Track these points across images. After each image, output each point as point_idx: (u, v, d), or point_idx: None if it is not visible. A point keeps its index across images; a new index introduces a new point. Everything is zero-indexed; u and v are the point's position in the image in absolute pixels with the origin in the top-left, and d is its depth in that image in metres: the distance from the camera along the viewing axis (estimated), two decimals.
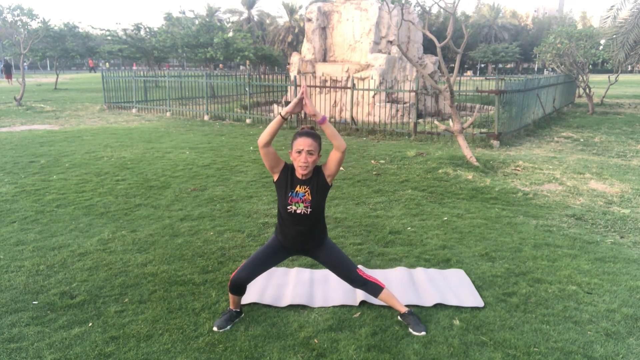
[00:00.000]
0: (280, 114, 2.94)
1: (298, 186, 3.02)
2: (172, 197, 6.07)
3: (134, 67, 46.47)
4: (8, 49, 26.04)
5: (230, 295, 3.17)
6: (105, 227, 4.96)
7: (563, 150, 9.99)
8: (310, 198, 3.01)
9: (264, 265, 3.19)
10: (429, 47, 22.22)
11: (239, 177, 7.16)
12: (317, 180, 3.03)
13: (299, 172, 2.99)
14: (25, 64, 30.30)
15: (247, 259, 3.21)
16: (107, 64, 56.99)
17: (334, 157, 2.98)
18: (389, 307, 3.39)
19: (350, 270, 3.20)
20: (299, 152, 2.93)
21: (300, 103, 2.93)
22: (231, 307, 3.21)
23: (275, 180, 3.09)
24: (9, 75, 32.15)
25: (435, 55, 13.33)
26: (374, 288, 3.19)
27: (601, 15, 17.96)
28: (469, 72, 60.24)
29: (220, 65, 55.42)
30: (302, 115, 13.46)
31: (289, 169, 3.05)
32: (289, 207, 3.03)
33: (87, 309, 3.33)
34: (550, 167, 8.08)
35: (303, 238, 3.13)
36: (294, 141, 2.96)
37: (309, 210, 3.02)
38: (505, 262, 4.18)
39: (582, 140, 11.20)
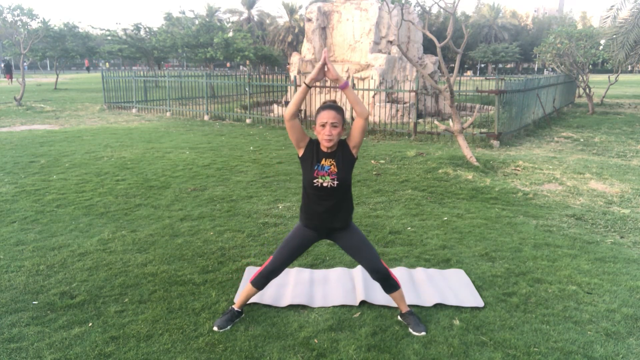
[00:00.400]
0: (304, 82, 2.92)
1: (324, 159, 2.98)
2: (172, 197, 6.07)
3: (137, 67, 46.47)
4: (8, 49, 26.04)
5: (245, 291, 3.18)
6: (105, 227, 4.96)
7: (563, 150, 9.99)
8: (336, 170, 2.97)
9: (291, 254, 3.15)
10: (429, 47, 22.23)
11: (239, 177, 7.16)
12: (343, 153, 3.00)
13: (324, 145, 2.95)
14: (25, 64, 30.29)
15: (275, 252, 3.19)
16: (107, 64, 57.00)
17: (357, 125, 2.97)
18: (389, 307, 3.39)
19: (373, 258, 3.12)
20: (323, 125, 2.91)
21: (322, 69, 2.93)
22: (235, 306, 3.21)
23: (300, 155, 3.05)
24: (9, 75, 32.19)
25: (435, 55, 13.33)
26: (392, 285, 3.15)
27: (601, 15, 17.96)
28: (469, 72, 60.27)
29: (228, 64, 55.37)
30: (302, 115, 13.46)
31: (314, 143, 3.02)
32: (315, 181, 2.98)
33: (87, 309, 3.33)
34: (550, 167, 8.08)
35: (329, 214, 3.06)
36: (318, 115, 2.94)
37: (335, 182, 2.98)
38: (505, 262, 4.18)
39: (582, 140, 11.20)
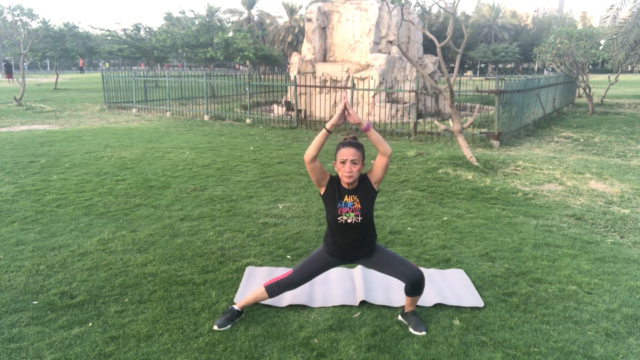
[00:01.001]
0: (325, 127, 2.94)
1: (346, 196, 3.02)
2: (172, 197, 6.07)
3: (142, 67, 46.36)
4: (8, 49, 26.05)
5: (256, 294, 3.21)
6: (105, 227, 4.96)
7: (563, 150, 9.99)
8: (360, 207, 3.01)
9: (312, 274, 3.22)
10: (429, 47, 22.22)
11: (239, 177, 7.16)
12: (364, 188, 3.03)
13: (345, 182, 2.98)
14: (25, 64, 30.31)
15: (296, 267, 3.23)
16: (107, 64, 56.99)
17: (379, 162, 3.00)
18: (389, 307, 3.39)
19: (404, 265, 3.12)
20: (343, 162, 2.93)
21: (343, 114, 2.95)
22: (238, 306, 3.22)
23: (322, 193, 3.08)
24: (9, 74, 32.23)
25: (435, 55, 13.33)
26: (421, 291, 3.14)
27: (601, 15, 17.96)
28: (469, 72, 60.26)
29: (237, 65, 55.28)
30: (302, 116, 13.45)
31: (335, 180, 3.05)
32: (339, 219, 3.02)
33: (87, 309, 3.33)
34: (550, 167, 8.08)
35: (355, 246, 3.13)
36: (338, 152, 2.96)
37: (359, 218, 3.01)
38: (505, 262, 4.18)
39: (582, 140, 11.20)
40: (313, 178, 3.03)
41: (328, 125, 2.92)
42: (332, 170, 6.46)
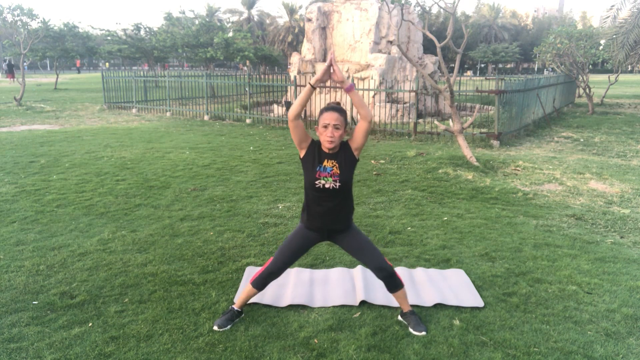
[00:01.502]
0: (309, 83, 2.92)
1: (326, 160, 2.99)
2: (172, 197, 6.07)
3: (145, 67, 46.30)
4: (8, 49, 26.05)
5: (245, 292, 3.18)
6: (105, 227, 4.96)
7: (563, 150, 9.99)
8: (338, 172, 2.97)
9: (292, 255, 3.15)
10: (429, 47, 22.21)
11: (239, 177, 7.16)
12: (345, 154, 3.01)
13: (326, 147, 2.96)
14: (25, 64, 30.34)
15: (275, 253, 3.19)
16: (107, 64, 56.98)
17: (360, 128, 2.98)
18: (389, 307, 3.39)
19: (378, 256, 3.12)
20: (325, 126, 2.92)
21: (328, 70, 2.93)
22: (236, 306, 3.21)
23: (302, 156, 3.05)
24: (11, 74, 32.29)
25: (435, 55, 13.33)
26: (396, 284, 3.14)
27: (601, 15, 17.97)
28: (469, 72, 60.27)
29: (240, 65, 55.29)
30: (302, 116, 13.46)
31: (316, 144, 3.03)
32: (317, 182, 2.98)
33: (87, 309, 3.33)
34: (550, 167, 8.08)
35: (331, 216, 3.06)
36: (320, 116, 2.95)
37: (337, 184, 2.98)
38: (505, 262, 4.18)
39: (582, 140, 11.20)
40: (294, 138, 3.01)
41: (312, 81, 2.92)
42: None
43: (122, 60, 40.42)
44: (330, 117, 2.91)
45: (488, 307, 3.40)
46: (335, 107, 2.95)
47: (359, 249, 3.14)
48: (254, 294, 3.23)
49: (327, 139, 2.92)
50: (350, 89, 2.92)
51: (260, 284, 3.17)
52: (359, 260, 3.17)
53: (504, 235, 4.83)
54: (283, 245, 3.18)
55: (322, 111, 2.96)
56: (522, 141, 10.97)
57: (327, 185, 2.98)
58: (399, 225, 5.10)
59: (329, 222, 3.08)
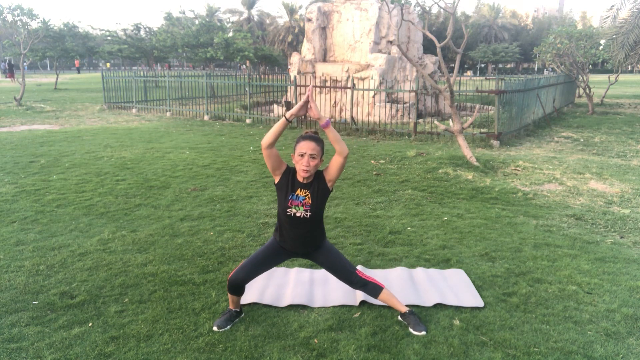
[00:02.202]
0: (284, 116, 2.94)
1: (299, 189, 3.03)
2: (172, 197, 6.07)
3: (144, 67, 46.34)
4: (8, 49, 26.05)
5: (229, 295, 3.17)
6: (105, 227, 4.96)
7: (563, 150, 9.99)
8: (310, 202, 3.02)
9: (263, 266, 3.19)
10: (429, 47, 22.22)
11: (239, 177, 7.16)
12: (318, 185, 3.04)
13: (301, 175, 3.00)
14: (25, 64, 30.35)
15: (246, 259, 3.22)
16: (107, 64, 56.98)
17: (335, 162, 2.99)
18: (389, 307, 3.39)
19: (349, 272, 3.20)
20: (302, 155, 2.94)
21: (305, 106, 2.95)
22: (231, 306, 3.21)
23: (276, 182, 3.10)
24: (12, 74, 32.37)
25: (435, 55, 13.33)
26: (374, 288, 3.19)
27: (601, 15, 17.97)
28: (469, 72, 60.28)
29: (241, 65, 55.41)
30: (303, 116, 13.44)
31: (290, 172, 3.06)
32: (288, 210, 3.03)
33: (87, 309, 3.33)
34: (550, 167, 8.08)
35: (302, 241, 3.14)
36: (297, 144, 2.96)
37: (308, 214, 3.02)
38: (505, 262, 4.18)
39: (582, 140, 11.20)
40: (268, 165, 3.04)
41: (288, 115, 2.94)
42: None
43: (122, 60, 40.46)
44: (307, 147, 2.92)
45: (488, 307, 3.40)
46: (313, 137, 2.97)
47: (330, 266, 3.22)
48: (238, 300, 3.18)
49: (303, 167, 2.94)
50: (326, 126, 2.93)
51: (236, 289, 3.10)
52: (332, 274, 3.27)
53: (504, 235, 4.83)
54: (255, 254, 3.20)
55: (299, 139, 2.98)
56: (522, 141, 10.97)
57: (298, 214, 3.03)
58: (399, 225, 5.10)
59: (300, 246, 3.17)
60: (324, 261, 3.23)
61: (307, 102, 2.92)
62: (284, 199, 3.04)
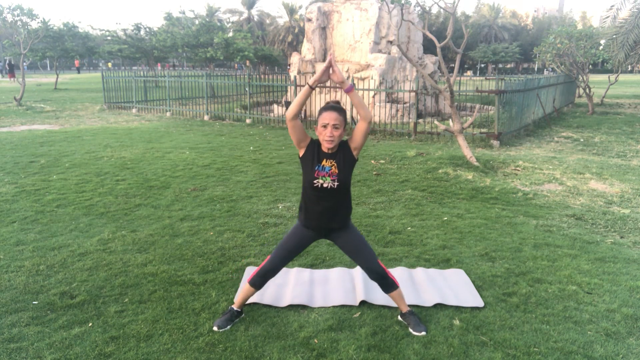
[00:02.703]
0: (308, 83, 2.91)
1: (324, 160, 2.98)
2: (172, 197, 6.07)
3: (159, 67, 46.29)
4: (8, 49, 26.06)
5: (244, 291, 3.18)
6: (105, 227, 4.96)
7: (563, 150, 9.99)
8: (337, 171, 2.97)
9: (289, 253, 3.15)
10: (429, 47, 22.22)
11: (239, 177, 7.16)
12: (344, 154, 3.00)
13: (325, 146, 2.96)
14: (25, 64, 30.37)
15: (273, 252, 3.19)
16: (109, 64, 57.01)
17: (359, 128, 2.98)
18: (389, 307, 3.39)
19: (371, 258, 3.13)
20: (325, 126, 2.91)
21: (327, 70, 2.91)
22: (235, 306, 3.21)
23: (300, 155, 3.06)
24: (12, 74, 32.40)
25: (435, 55, 13.33)
26: (390, 284, 3.15)
27: (601, 15, 17.96)
28: (469, 72, 60.27)
29: (235, 65, 55.54)
30: (302, 116, 13.45)
31: (315, 144, 3.03)
32: (315, 182, 2.98)
33: (87, 309, 3.33)
34: (550, 167, 8.08)
35: (329, 215, 3.07)
36: (320, 115, 2.94)
37: (335, 184, 2.98)
38: (505, 262, 4.18)
39: (582, 140, 11.20)
40: (293, 137, 3.02)
41: (311, 81, 2.92)
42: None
43: (122, 60, 40.47)
44: (330, 117, 2.90)
45: (488, 307, 3.40)
46: (335, 107, 2.94)
47: (354, 248, 3.14)
48: (252, 293, 3.22)
49: (326, 138, 2.92)
50: (350, 90, 2.91)
51: (258, 282, 3.16)
52: (353, 259, 3.18)
53: (504, 235, 4.83)
54: (280, 243, 3.18)
55: (321, 110, 2.95)
56: (522, 141, 10.97)
57: (325, 185, 2.98)
58: (399, 225, 5.10)
59: (327, 221, 3.08)
60: (345, 242, 3.15)
61: (329, 66, 2.90)
62: (310, 171, 3.00)
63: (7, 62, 35.70)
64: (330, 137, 2.90)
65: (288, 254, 3.15)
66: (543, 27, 64.58)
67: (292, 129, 2.99)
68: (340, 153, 3.00)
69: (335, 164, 2.98)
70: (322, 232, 3.15)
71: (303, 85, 13.26)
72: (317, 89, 13.92)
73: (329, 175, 2.97)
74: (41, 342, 2.93)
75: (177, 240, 4.60)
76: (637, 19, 14.82)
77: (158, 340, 2.98)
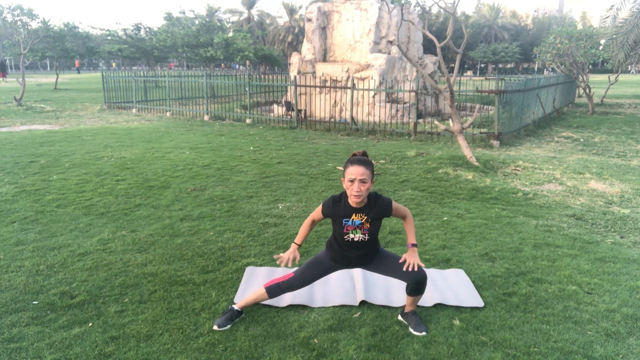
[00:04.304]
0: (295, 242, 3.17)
1: (354, 214, 2.98)
2: (172, 197, 6.07)
3: (171, 67, 46.22)
4: (8, 49, 26.06)
5: (256, 296, 3.21)
6: (105, 227, 4.96)
7: (563, 150, 9.99)
8: (368, 226, 3.00)
9: (314, 278, 3.23)
10: (429, 47, 22.22)
11: (239, 177, 7.16)
12: (376, 210, 3.00)
13: (353, 201, 2.92)
14: (24, 64, 30.41)
15: (298, 270, 3.23)
16: (113, 63, 57.05)
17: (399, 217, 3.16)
18: (389, 307, 3.39)
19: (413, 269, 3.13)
20: (352, 180, 2.86)
21: None
22: (237, 306, 3.22)
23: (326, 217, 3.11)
24: (3, 73, 32.40)
25: (435, 55, 13.32)
26: (423, 289, 3.13)
27: (601, 15, 17.95)
28: (469, 72, 60.28)
29: (223, 65, 55.58)
30: (302, 116, 13.44)
31: (340, 200, 3.00)
32: (346, 236, 3.02)
33: (87, 309, 3.33)
34: (550, 167, 8.08)
35: (359, 260, 3.16)
36: (346, 169, 2.89)
37: (367, 237, 3.01)
38: (505, 262, 4.18)
39: (582, 140, 11.20)
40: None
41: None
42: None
43: (122, 60, 40.47)
44: (357, 171, 2.84)
45: (488, 307, 3.40)
46: (361, 160, 2.88)
47: (389, 269, 3.16)
48: (264, 300, 3.25)
49: (354, 193, 2.86)
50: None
51: (275, 293, 3.21)
52: (394, 277, 3.17)
53: (504, 235, 4.83)
54: (307, 265, 3.23)
55: (347, 164, 2.91)
56: (522, 141, 10.97)
57: (355, 238, 3.02)
58: (399, 225, 5.10)
59: (357, 263, 3.19)
60: (379, 267, 3.18)
61: None
62: (339, 226, 3.01)
63: (1, 61, 35.70)
64: (357, 192, 2.86)
65: (312, 278, 3.23)
66: (543, 27, 64.58)
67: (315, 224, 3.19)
68: (373, 208, 2.99)
69: (366, 218, 2.98)
70: (351, 267, 3.25)
71: (303, 85, 13.26)
72: (318, 89, 13.92)
73: (359, 229, 3.00)
74: (41, 342, 2.93)
75: (177, 240, 4.60)
76: (637, 19, 14.82)
77: (158, 340, 2.98)
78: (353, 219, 2.97)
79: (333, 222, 3.05)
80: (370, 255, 3.16)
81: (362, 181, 2.84)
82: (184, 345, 2.94)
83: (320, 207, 3.06)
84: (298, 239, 3.16)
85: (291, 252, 3.11)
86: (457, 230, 4.97)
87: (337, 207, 3.00)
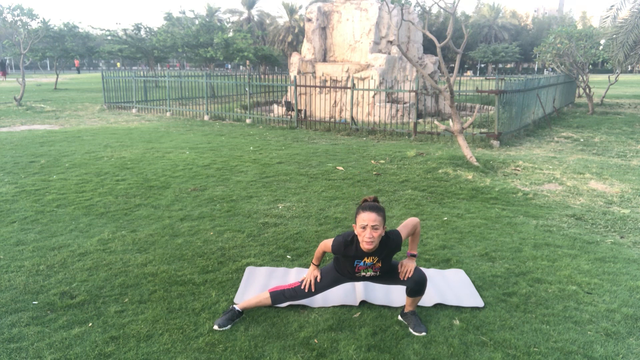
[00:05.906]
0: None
1: (365, 257, 3.01)
2: (172, 197, 6.07)
3: (187, 67, 46.27)
4: (8, 49, 26.06)
5: (259, 300, 3.24)
6: (105, 227, 4.96)
7: (563, 150, 9.99)
8: (380, 265, 3.06)
9: (321, 289, 3.27)
10: (429, 47, 22.23)
11: (239, 177, 7.16)
12: (387, 250, 3.02)
13: (365, 247, 2.93)
14: (24, 64, 30.43)
15: (303, 279, 3.29)
16: (118, 63, 57.11)
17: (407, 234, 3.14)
18: (389, 307, 3.39)
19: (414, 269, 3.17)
20: (364, 227, 2.87)
21: None
22: (239, 307, 3.23)
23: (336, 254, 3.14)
24: (3, 72, 32.44)
25: (435, 55, 13.33)
26: (422, 291, 3.15)
27: (601, 15, 17.95)
28: (469, 72, 60.30)
29: (212, 66, 55.63)
30: (302, 116, 13.44)
31: (351, 242, 3.00)
32: (357, 274, 3.11)
33: (87, 309, 3.33)
34: (550, 167, 8.08)
35: (369, 280, 3.23)
36: (358, 215, 2.91)
37: (378, 273, 3.10)
38: (505, 262, 4.18)
39: (582, 140, 11.20)
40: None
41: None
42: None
43: (122, 60, 40.47)
44: (368, 218, 2.85)
45: (488, 307, 3.40)
46: (373, 206, 2.89)
47: (392, 278, 3.19)
48: (267, 305, 3.27)
49: (366, 240, 2.88)
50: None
51: (280, 300, 3.25)
52: (397, 284, 3.21)
53: (504, 235, 4.83)
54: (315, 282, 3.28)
55: (358, 210, 2.92)
56: (522, 141, 10.97)
57: (367, 275, 3.11)
58: (399, 225, 5.09)
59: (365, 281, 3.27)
60: (389, 279, 3.20)
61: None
62: (350, 265, 3.06)
63: (1, 60, 35.72)
64: (369, 238, 2.87)
65: (317, 290, 3.26)
66: (543, 27, 64.57)
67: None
68: (385, 249, 3.02)
69: (377, 259, 3.03)
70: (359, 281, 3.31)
71: (303, 85, 13.26)
72: (318, 89, 13.92)
73: (370, 268, 3.06)
74: (41, 342, 2.93)
75: (177, 240, 4.60)
76: (637, 19, 14.82)
77: (158, 340, 2.98)
78: (365, 261, 3.03)
79: (343, 257, 3.08)
80: (379, 280, 3.23)
81: (374, 227, 2.86)
82: (184, 345, 2.94)
83: (330, 245, 3.07)
84: (315, 261, 3.25)
85: (311, 272, 3.22)
86: (457, 230, 4.97)
87: (348, 249, 3.01)
